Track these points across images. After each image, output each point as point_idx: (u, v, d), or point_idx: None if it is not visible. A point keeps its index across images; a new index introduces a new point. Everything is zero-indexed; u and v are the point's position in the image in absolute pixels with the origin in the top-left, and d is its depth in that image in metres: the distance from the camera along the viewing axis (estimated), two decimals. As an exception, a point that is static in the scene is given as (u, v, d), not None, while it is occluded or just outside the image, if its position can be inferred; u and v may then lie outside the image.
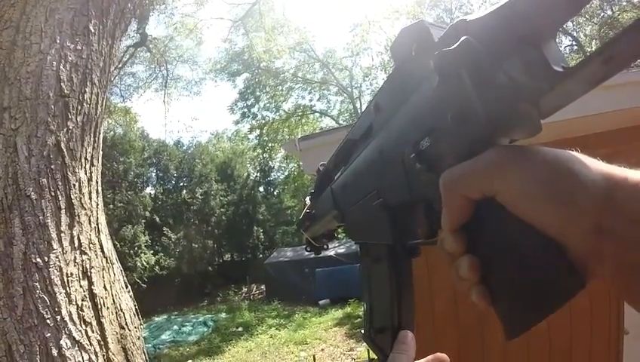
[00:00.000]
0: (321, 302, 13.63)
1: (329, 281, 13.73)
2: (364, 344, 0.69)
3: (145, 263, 16.55)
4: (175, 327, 12.39)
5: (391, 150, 0.53)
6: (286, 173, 25.88)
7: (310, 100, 23.44)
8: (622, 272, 0.31)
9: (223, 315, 14.21)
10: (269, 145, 23.61)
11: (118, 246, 13.73)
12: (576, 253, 0.33)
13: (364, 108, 0.63)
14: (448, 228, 0.41)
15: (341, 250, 14.52)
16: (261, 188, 25.82)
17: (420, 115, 0.45)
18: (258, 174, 26.03)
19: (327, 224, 0.86)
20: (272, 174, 26.56)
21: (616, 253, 0.31)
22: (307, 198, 0.93)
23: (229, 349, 10.28)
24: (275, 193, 26.33)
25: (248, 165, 26.00)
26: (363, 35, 20.20)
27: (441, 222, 0.42)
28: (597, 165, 0.33)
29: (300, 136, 3.78)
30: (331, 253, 14.17)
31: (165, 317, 14.24)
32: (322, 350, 9.27)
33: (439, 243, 0.44)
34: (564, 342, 3.04)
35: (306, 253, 1.09)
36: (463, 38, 0.35)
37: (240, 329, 11.94)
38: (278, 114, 23.36)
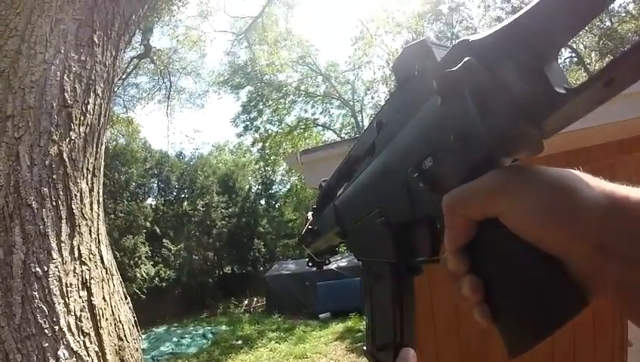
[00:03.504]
0: (321, 316, 13.48)
1: (330, 295, 13.61)
2: (365, 359, 0.68)
3: (145, 274, 16.45)
4: (174, 339, 12.25)
5: (394, 169, 0.52)
6: (288, 187, 25.93)
7: (313, 114, 23.55)
8: (624, 290, 0.31)
9: (223, 327, 14.06)
10: (272, 158, 23.65)
11: (118, 256, 13.68)
12: (579, 272, 0.33)
13: (366, 121, 0.63)
14: (450, 248, 0.41)
15: (343, 264, 14.41)
16: (262, 201, 25.72)
17: (423, 134, 0.45)
18: (260, 187, 25.97)
19: (329, 240, 0.86)
20: (274, 187, 26.52)
21: (618, 272, 0.31)
22: (309, 214, 0.92)
23: (228, 362, 10.19)
24: (277, 206, 26.24)
25: (250, 178, 25.94)
26: (365, 48, 20.35)
27: (444, 242, 0.42)
28: (599, 184, 0.33)
29: (301, 150, 3.80)
30: (333, 266, 14.06)
31: (165, 328, 14.10)
32: (322, 364, 9.18)
33: (442, 262, 0.44)
34: (567, 355, 3.01)
35: (307, 267, 1.08)
36: (465, 58, 0.35)
37: (240, 342, 11.81)
38: (280, 127, 23.45)
